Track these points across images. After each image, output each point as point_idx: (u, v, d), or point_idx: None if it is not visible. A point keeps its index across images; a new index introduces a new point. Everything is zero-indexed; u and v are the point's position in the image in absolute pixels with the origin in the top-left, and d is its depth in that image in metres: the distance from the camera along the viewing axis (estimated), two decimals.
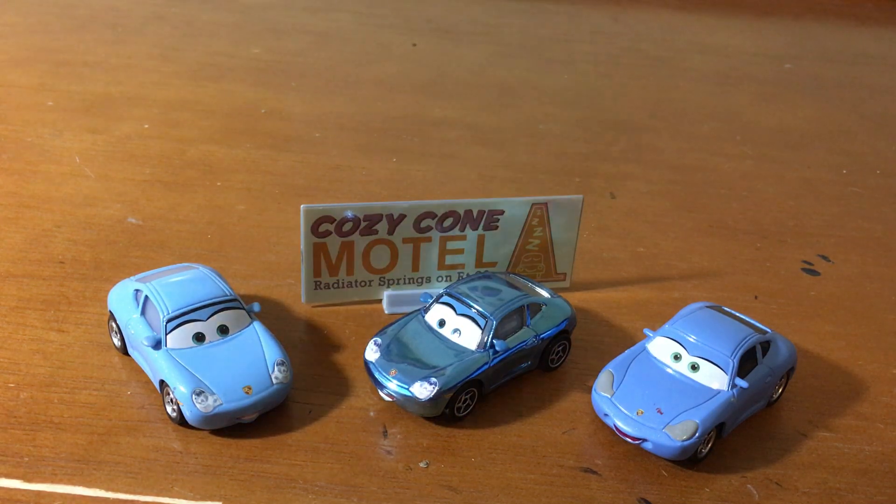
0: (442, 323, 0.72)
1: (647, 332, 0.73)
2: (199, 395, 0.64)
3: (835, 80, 1.49)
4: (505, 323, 0.71)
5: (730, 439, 0.70)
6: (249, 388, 0.65)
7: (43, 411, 0.67)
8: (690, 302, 0.81)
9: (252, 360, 0.67)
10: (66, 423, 0.66)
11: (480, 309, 0.71)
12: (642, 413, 0.66)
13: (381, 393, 0.69)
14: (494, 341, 0.70)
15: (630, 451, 0.68)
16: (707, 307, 0.75)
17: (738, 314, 0.75)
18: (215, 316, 0.68)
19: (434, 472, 0.65)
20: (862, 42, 1.68)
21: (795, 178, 1.16)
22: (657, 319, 0.80)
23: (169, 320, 0.67)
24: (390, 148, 1.15)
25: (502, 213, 0.81)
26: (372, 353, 0.71)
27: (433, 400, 0.66)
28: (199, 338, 0.67)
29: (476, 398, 0.70)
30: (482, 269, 0.83)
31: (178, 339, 0.67)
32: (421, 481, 0.64)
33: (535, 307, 0.74)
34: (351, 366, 0.74)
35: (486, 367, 0.69)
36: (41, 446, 0.64)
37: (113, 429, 0.66)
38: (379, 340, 0.72)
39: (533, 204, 0.81)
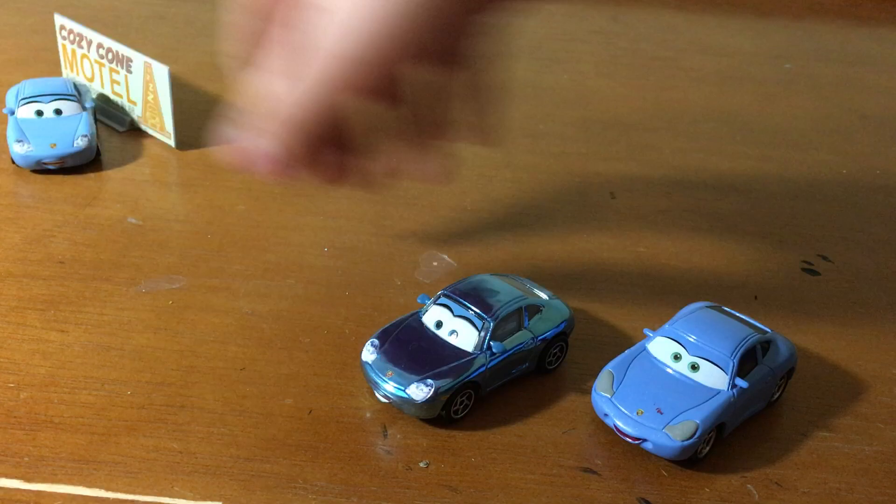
0: (439, 324, 0.72)
1: (647, 331, 0.73)
2: (19, 142, 0.97)
3: (835, 80, 1.49)
4: (503, 325, 0.71)
5: (730, 439, 0.70)
6: (55, 145, 0.98)
7: (43, 411, 0.67)
8: (690, 302, 0.81)
9: (66, 130, 1.00)
10: (66, 423, 0.66)
11: (478, 310, 0.71)
12: (642, 413, 0.66)
13: (377, 394, 0.69)
14: (492, 343, 0.70)
15: (630, 451, 0.68)
16: (707, 307, 0.75)
17: (737, 314, 0.75)
18: (54, 102, 1.03)
19: (434, 472, 0.65)
20: (862, 42, 1.68)
21: (795, 178, 1.16)
22: (657, 319, 0.80)
23: (21, 99, 1.03)
24: None
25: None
26: (369, 354, 0.71)
27: (429, 402, 0.66)
28: (38, 113, 1.02)
29: (473, 400, 0.70)
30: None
31: (24, 112, 1.02)
32: (421, 481, 0.64)
33: (534, 309, 0.74)
34: (351, 366, 0.74)
35: (483, 368, 0.69)
36: (41, 446, 0.64)
37: (113, 429, 0.66)
38: (376, 341, 0.72)
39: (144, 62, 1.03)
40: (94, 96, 1.10)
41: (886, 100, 1.45)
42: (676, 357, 0.70)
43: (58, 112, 1.02)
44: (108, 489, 0.61)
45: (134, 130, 1.10)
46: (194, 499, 0.61)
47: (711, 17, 1.76)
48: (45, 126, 1.00)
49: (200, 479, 0.62)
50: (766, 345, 0.72)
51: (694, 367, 0.69)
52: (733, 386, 0.67)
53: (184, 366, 0.73)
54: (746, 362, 0.69)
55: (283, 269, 0.87)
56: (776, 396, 0.74)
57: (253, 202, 0.99)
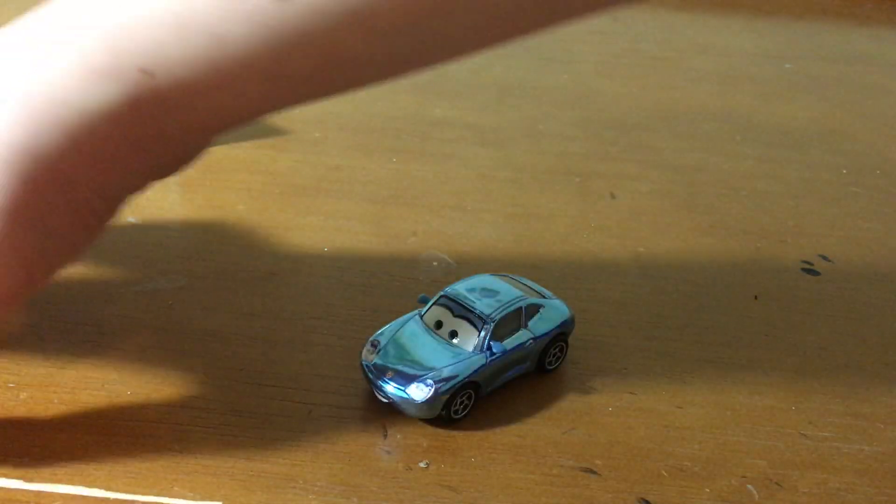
0: (439, 324, 0.72)
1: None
2: None
3: (835, 80, 1.49)
4: (503, 325, 0.71)
5: (730, 439, 0.70)
6: None
7: (43, 411, 0.67)
8: (688, 301, 0.81)
9: None
10: (66, 423, 0.66)
11: (478, 311, 0.71)
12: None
13: (377, 394, 0.69)
14: (492, 343, 0.70)
15: (630, 451, 0.68)
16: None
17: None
18: None
19: (434, 472, 0.65)
20: (862, 42, 1.68)
21: (795, 178, 1.16)
22: (657, 319, 0.81)
23: None
24: (390, 148, 1.15)
25: None
26: (368, 354, 0.71)
27: (429, 402, 0.66)
28: None
29: (473, 400, 0.70)
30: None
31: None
32: (421, 481, 0.64)
33: (533, 309, 0.74)
34: (350, 366, 0.74)
35: (483, 368, 0.69)
36: (41, 446, 0.64)
37: (113, 429, 0.66)
38: (376, 342, 0.72)
39: None
40: None
41: (886, 100, 1.45)
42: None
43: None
44: (108, 489, 0.61)
45: None
46: (194, 499, 0.61)
47: (711, 17, 1.76)
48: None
49: (200, 479, 0.63)
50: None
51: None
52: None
53: (184, 366, 0.73)
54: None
55: (283, 269, 0.87)
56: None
57: (253, 202, 0.99)
